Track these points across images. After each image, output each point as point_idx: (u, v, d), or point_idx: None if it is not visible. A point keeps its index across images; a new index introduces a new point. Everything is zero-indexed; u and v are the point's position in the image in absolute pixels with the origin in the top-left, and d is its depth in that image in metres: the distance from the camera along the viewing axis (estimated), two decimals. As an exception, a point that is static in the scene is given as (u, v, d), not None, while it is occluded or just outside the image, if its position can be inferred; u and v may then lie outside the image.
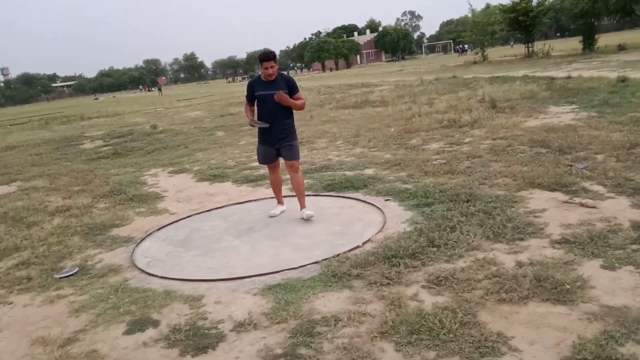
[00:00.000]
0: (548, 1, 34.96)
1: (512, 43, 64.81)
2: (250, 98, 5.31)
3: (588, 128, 7.91)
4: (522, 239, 4.10)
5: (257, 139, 5.56)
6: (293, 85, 5.20)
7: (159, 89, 60.00)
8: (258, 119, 5.28)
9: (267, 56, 5.00)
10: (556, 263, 3.59)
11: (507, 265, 3.66)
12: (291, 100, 5.11)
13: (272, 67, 5.03)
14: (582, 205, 4.70)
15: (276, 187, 5.67)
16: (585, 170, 5.70)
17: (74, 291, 4.21)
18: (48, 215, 6.79)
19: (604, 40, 33.15)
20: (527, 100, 11.86)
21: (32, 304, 4.08)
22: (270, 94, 5.06)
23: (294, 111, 5.31)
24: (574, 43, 35.05)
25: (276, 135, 5.24)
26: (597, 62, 22.09)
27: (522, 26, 34.61)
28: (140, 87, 67.42)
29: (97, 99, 72.47)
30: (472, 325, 2.93)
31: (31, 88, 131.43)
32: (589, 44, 31.44)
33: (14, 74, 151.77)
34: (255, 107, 5.32)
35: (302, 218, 5.30)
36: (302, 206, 5.39)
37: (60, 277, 4.54)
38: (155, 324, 3.46)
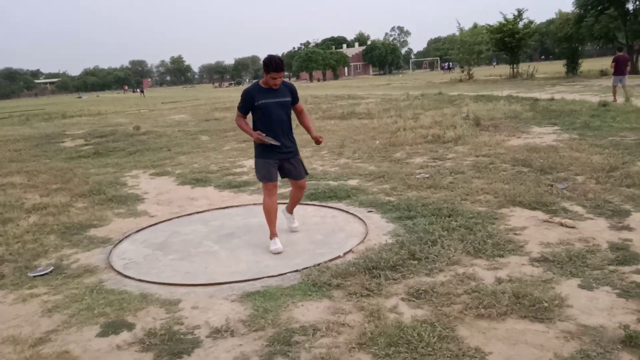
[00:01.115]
0: (534, 24, 35.67)
1: (494, 63, 65.89)
2: (247, 109, 4.63)
3: (569, 149, 8.04)
4: (502, 256, 4.13)
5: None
6: (295, 92, 4.77)
7: (141, 91, 58.30)
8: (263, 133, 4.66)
9: (280, 67, 4.47)
10: (535, 281, 3.62)
11: (487, 281, 3.67)
12: (316, 134, 4.89)
13: (281, 77, 4.56)
14: (561, 224, 4.75)
15: (272, 215, 4.74)
16: (565, 191, 5.78)
17: (47, 290, 4.11)
18: (24, 212, 6.65)
19: (587, 65, 33.91)
20: (511, 120, 12.03)
21: (3, 301, 3.98)
22: (274, 102, 4.57)
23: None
24: (558, 66, 35.78)
25: (282, 148, 4.66)
26: (579, 86, 22.56)
27: (508, 47, 35.26)
28: (127, 87, 65.56)
29: (80, 97, 71.68)
30: (450, 339, 2.93)
31: (13, 83, 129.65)
32: (572, 68, 32.12)
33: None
34: (251, 119, 4.71)
35: (289, 225, 5.19)
36: (291, 212, 5.21)
37: (34, 276, 4.43)
38: (130, 327, 3.39)
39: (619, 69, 15.04)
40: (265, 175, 4.71)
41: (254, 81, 4.92)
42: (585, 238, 4.39)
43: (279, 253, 4.56)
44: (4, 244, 5.36)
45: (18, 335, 3.37)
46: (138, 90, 65.82)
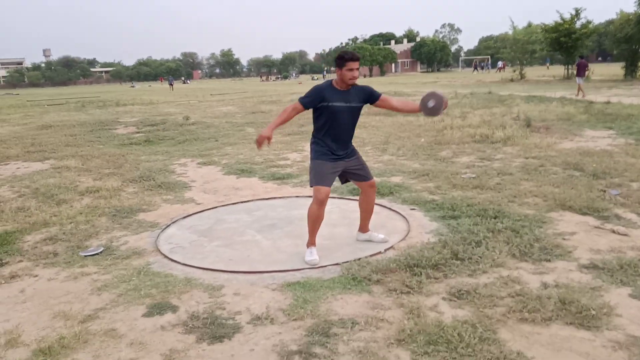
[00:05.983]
0: (592, 24, 34.29)
1: (548, 64, 63.59)
2: (310, 105, 4.13)
3: (625, 155, 7.73)
4: (548, 260, 4.02)
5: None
6: (371, 91, 4.29)
7: (170, 84, 55.09)
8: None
9: (356, 55, 4.09)
10: (583, 287, 3.51)
11: (532, 285, 3.59)
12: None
13: (358, 68, 4.10)
14: (613, 231, 4.58)
15: (318, 225, 4.33)
16: (619, 197, 5.57)
17: (97, 270, 4.28)
18: (78, 194, 6.93)
19: (647, 68, 32.32)
20: (563, 122, 11.65)
21: (56, 278, 4.17)
22: (346, 107, 4.13)
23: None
24: (616, 69, 34.35)
25: (348, 147, 4.33)
26: (638, 90, 21.58)
27: (563, 47, 34.00)
28: (171, 78, 63.75)
29: (133, 86, 73.70)
30: (491, 341, 2.88)
31: (70, 71, 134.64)
32: (631, 71, 30.75)
33: (55, 56, 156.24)
34: (319, 120, 4.20)
35: (377, 238, 4.67)
36: (367, 229, 4.75)
37: (86, 255, 4.63)
38: (174, 309, 3.49)
39: (581, 72, 19.99)
40: (326, 179, 4.19)
41: (325, 79, 4.35)
42: (638, 246, 4.22)
43: (314, 265, 4.16)
44: (58, 224, 5.61)
45: (69, 311, 3.52)
46: (168, 81, 58.81)
